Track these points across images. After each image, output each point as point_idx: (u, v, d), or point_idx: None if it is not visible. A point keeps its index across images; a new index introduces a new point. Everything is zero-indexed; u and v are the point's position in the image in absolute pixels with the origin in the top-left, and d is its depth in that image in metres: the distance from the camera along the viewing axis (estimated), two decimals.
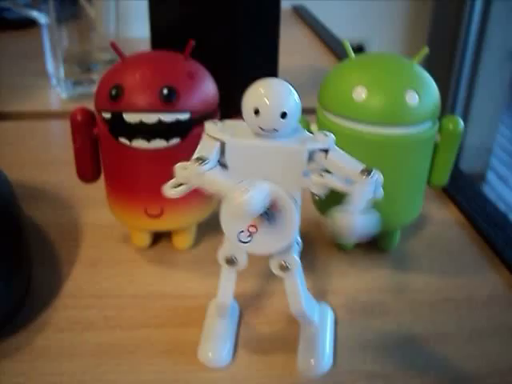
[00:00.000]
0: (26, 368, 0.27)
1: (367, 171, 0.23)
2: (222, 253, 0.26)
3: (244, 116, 0.23)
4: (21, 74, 0.69)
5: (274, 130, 0.23)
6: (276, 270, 0.26)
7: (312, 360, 0.28)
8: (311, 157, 0.24)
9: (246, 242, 0.24)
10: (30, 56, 0.72)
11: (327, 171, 0.24)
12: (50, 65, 0.64)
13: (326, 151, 0.24)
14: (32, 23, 0.68)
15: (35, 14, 0.61)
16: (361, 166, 0.23)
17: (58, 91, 0.62)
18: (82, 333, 0.30)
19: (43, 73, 0.65)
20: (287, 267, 0.26)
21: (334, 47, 0.82)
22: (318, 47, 0.86)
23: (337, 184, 0.24)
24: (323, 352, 0.28)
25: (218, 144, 0.24)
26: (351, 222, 0.22)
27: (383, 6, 1.76)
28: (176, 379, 0.27)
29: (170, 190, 0.24)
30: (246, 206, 0.21)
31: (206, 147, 0.24)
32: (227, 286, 0.27)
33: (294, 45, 0.82)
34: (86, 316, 0.31)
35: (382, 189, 0.24)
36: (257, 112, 0.23)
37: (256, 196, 0.21)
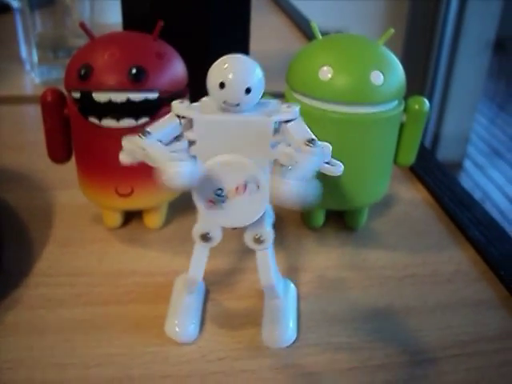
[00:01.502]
0: None
1: (312, 141, 0.23)
2: (197, 230, 0.27)
3: (209, 90, 0.24)
4: None
5: (237, 104, 0.24)
6: (250, 243, 0.27)
7: (276, 332, 0.29)
8: (277, 128, 0.25)
9: (222, 199, 0.25)
10: (4, 41, 0.71)
11: None
12: (23, 50, 0.63)
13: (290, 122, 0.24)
14: (6, 8, 0.68)
15: None
16: (309, 136, 0.23)
17: (32, 76, 0.62)
18: (53, 310, 0.30)
19: (17, 58, 0.65)
20: (261, 240, 0.26)
21: (306, 31, 0.83)
22: (292, 33, 0.86)
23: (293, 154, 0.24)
24: (287, 324, 0.29)
25: (175, 122, 0.24)
26: (288, 187, 0.22)
27: None
28: (145, 352, 0.28)
29: (122, 155, 0.24)
30: (173, 179, 0.22)
31: (160, 124, 0.24)
32: (199, 262, 0.28)
33: (269, 31, 0.83)
34: (57, 293, 0.31)
35: (341, 165, 0.24)
36: (222, 86, 0.23)
37: (183, 170, 0.22)
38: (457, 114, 1.84)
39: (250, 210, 0.25)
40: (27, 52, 0.62)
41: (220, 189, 0.25)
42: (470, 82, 1.82)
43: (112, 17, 0.74)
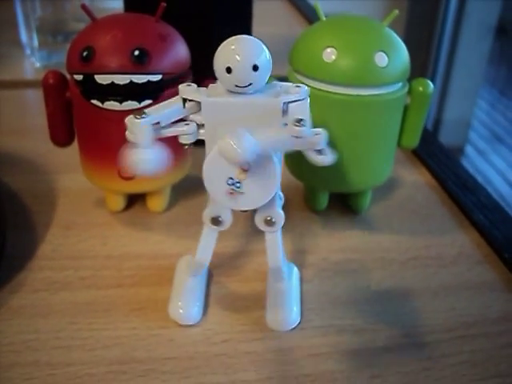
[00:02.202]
0: (2, 326, 0.28)
1: (300, 121, 0.22)
2: (208, 213, 0.27)
3: (217, 75, 0.24)
4: None
5: (249, 84, 0.23)
6: (261, 225, 0.27)
7: (280, 315, 0.29)
8: (286, 110, 0.24)
9: (239, 188, 0.25)
10: (3, 25, 0.71)
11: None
12: (23, 34, 0.63)
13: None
14: None
15: None
16: (299, 117, 0.23)
17: (33, 61, 0.61)
18: (58, 293, 0.30)
19: (17, 42, 0.64)
20: (273, 222, 0.26)
21: (309, 14, 0.82)
22: (292, 16, 0.86)
23: None
24: (291, 307, 0.29)
25: (179, 105, 0.24)
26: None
27: None
28: (150, 335, 0.28)
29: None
30: (134, 166, 0.22)
31: (162, 105, 0.24)
32: (208, 246, 0.28)
33: (270, 15, 0.82)
34: (61, 277, 0.31)
35: (333, 156, 0.24)
36: (229, 70, 0.23)
37: (143, 158, 0.22)
38: (458, 99, 1.83)
39: (262, 190, 0.25)
40: (27, 36, 0.62)
41: (230, 177, 0.25)
42: (472, 67, 1.81)
43: (113, 1, 0.73)
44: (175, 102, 0.25)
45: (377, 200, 0.39)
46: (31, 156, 0.43)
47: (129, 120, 0.23)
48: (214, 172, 0.24)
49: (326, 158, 0.23)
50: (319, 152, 0.23)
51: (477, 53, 1.80)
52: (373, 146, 0.33)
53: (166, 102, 0.25)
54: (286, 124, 0.24)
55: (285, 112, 0.24)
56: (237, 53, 0.23)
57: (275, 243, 0.27)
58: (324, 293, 0.31)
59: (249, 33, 0.46)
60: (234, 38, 0.24)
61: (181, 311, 0.28)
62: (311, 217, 0.37)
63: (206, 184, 0.25)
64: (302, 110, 0.24)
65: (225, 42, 0.24)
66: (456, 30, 1.78)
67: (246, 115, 0.24)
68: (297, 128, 0.22)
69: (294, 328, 0.29)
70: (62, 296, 0.30)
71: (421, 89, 0.33)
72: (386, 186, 0.38)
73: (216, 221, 0.27)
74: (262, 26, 0.50)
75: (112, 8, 0.70)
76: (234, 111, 0.24)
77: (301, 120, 0.22)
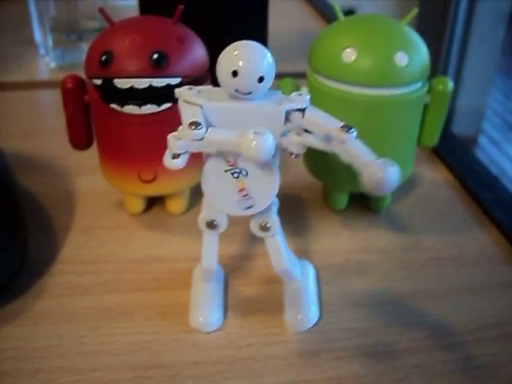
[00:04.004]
0: (26, 332, 0.28)
1: (347, 127, 0.23)
2: (203, 218, 0.26)
3: (220, 78, 0.24)
4: (7, 43, 0.68)
5: (249, 92, 0.23)
6: (257, 231, 0.27)
7: (298, 315, 0.29)
8: (287, 117, 0.24)
9: (250, 207, 0.25)
10: (17, 24, 0.71)
11: (305, 130, 0.24)
12: (37, 34, 0.63)
13: (301, 111, 0.24)
14: None
15: None
16: (339, 123, 0.23)
17: (47, 60, 0.62)
18: (80, 297, 0.30)
19: (30, 42, 0.64)
20: (267, 227, 0.26)
21: (324, 10, 0.82)
22: (307, 10, 0.85)
23: (316, 142, 0.24)
24: (308, 307, 0.29)
25: (199, 107, 0.24)
26: (382, 175, 0.22)
27: None
28: (173, 339, 0.28)
29: (171, 162, 0.23)
30: (261, 148, 0.21)
31: (192, 112, 0.24)
32: (211, 250, 0.28)
33: (282, 9, 0.82)
34: (83, 281, 0.31)
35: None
36: (235, 74, 0.23)
37: (267, 139, 0.22)
38: (472, 88, 1.81)
39: (261, 195, 0.25)
40: (42, 36, 0.62)
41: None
42: (485, 57, 1.79)
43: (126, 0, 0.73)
44: (192, 106, 0.24)
45: (396, 198, 0.38)
46: (48, 158, 0.43)
47: (188, 135, 0.23)
48: (216, 176, 0.25)
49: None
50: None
51: (490, 42, 1.78)
52: (393, 146, 0.33)
53: (186, 108, 0.24)
54: (288, 132, 0.24)
55: (286, 119, 0.24)
56: (244, 59, 0.23)
57: (276, 247, 0.27)
58: (345, 294, 0.31)
59: (265, 32, 0.45)
60: (238, 43, 0.24)
61: (201, 319, 0.28)
62: (331, 216, 0.37)
63: (209, 194, 0.25)
64: (325, 116, 0.24)
65: (229, 47, 0.24)
66: (469, 18, 1.76)
67: (247, 121, 0.24)
68: (349, 134, 0.23)
69: (317, 330, 0.28)
70: (84, 301, 0.30)
71: (441, 87, 0.33)
72: (405, 183, 0.38)
73: (211, 225, 0.26)
74: (277, 23, 0.51)
75: (126, 6, 0.70)
76: (235, 116, 0.24)
77: (346, 126, 0.23)
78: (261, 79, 0.23)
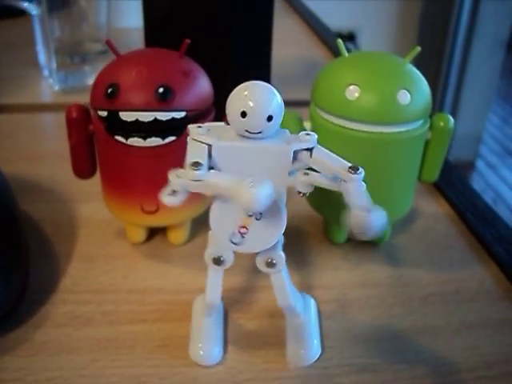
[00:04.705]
0: (26, 363, 0.28)
1: (354, 168, 0.24)
2: (209, 253, 0.27)
3: (229, 118, 0.24)
4: (10, 64, 0.68)
5: (259, 132, 0.24)
6: (263, 267, 0.27)
7: (301, 349, 0.29)
8: (295, 156, 0.25)
9: (238, 244, 0.25)
10: (20, 45, 0.71)
11: (312, 169, 0.25)
12: (41, 56, 0.64)
13: (309, 150, 0.25)
14: (21, 12, 0.68)
15: (26, 5, 0.61)
16: (347, 164, 0.24)
17: (50, 82, 0.62)
18: (81, 328, 0.30)
19: (34, 62, 0.65)
20: (273, 263, 0.27)
21: (325, 37, 0.83)
22: (308, 37, 0.86)
23: (324, 181, 0.24)
24: (311, 342, 0.29)
25: (205, 146, 0.24)
26: (366, 219, 0.22)
27: None
28: (174, 373, 0.28)
29: (167, 198, 0.23)
30: (255, 200, 0.21)
31: (197, 151, 0.24)
32: (215, 285, 0.28)
33: (284, 34, 0.82)
34: (84, 311, 0.31)
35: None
36: (244, 115, 0.23)
37: (263, 190, 0.22)
38: (470, 113, 1.83)
39: (267, 234, 0.25)
40: (46, 58, 0.62)
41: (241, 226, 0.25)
42: (484, 81, 1.81)
43: (129, 20, 0.74)
44: (199, 144, 0.24)
45: (396, 231, 0.39)
46: (49, 183, 0.43)
47: (188, 175, 0.23)
48: (223, 217, 0.25)
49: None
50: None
51: (488, 67, 1.80)
52: (394, 182, 0.33)
53: (192, 146, 0.24)
54: (296, 171, 0.25)
55: (294, 158, 0.25)
56: (253, 99, 0.23)
57: (281, 283, 0.27)
58: (345, 330, 0.31)
59: (268, 60, 0.46)
60: (247, 83, 0.24)
61: (201, 353, 0.28)
62: (331, 249, 0.37)
63: (214, 228, 0.25)
64: (333, 156, 0.25)
65: (238, 88, 0.24)
66: (468, 43, 1.78)
67: (256, 160, 0.24)
68: (356, 176, 0.23)
69: (317, 366, 0.29)
70: (85, 331, 0.30)
71: (442, 124, 0.33)
72: (406, 216, 0.38)
73: (218, 261, 0.27)
74: (276, 46, 0.51)
75: (129, 27, 0.71)
76: (244, 156, 0.24)
77: (353, 167, 0.23)
78: (270, 119, 0.23)
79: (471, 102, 1.82)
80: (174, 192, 0.23)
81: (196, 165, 0.23)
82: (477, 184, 1.78)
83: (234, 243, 0.25)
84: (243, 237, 0.25)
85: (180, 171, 0.23)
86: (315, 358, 0.29)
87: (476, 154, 1.90)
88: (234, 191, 0.22)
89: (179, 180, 0.23)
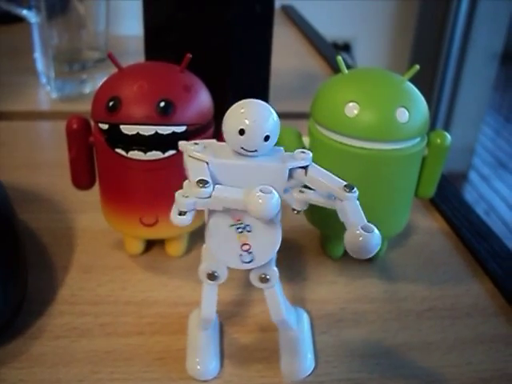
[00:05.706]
0: (24, 375, 0.28)
1: (349, 186, 0.24)
2: (203, 270, 0.27)
3: (226, 136, 0.24)
4: (8, 71, 0.68)
5: (255, 150, 0.24)
6: (256, 283, 0.27)
7: (294, 363, 0.29)
8: (291, 174, 0.25)
9: (251, 261, 0.25)
10: (17, 52, 0.71)
11: (306, 187, 0.25)
12: (39, 63, 0.64)
13: (304, 168, 0.25)
14: (19, 18, 0.68)
15: (25, 12, 0.61)
16: (342, 182, 0.24)
17: (48, 90, 0.62)
18: (78, 340, 0.30)
19: (32, 70, 0.65)
20: (267, 279, 0.27)
21: (324, 50, 0.83)
22: (306, 49, 0.87)
23: (319, 199, 0.25)
24: (304, 355, 0.29)
25: (205, 163, 0.24)
26: (360, 240, 0.23)
27: (370, 5, 1.78)
28: None
29: (178, 219, 0.23)
30: (266, 206, 0.22)
31: (199, 169, 0.24)
32: (210, 300, 0.28)
33: (282, 45, 0.83)
34: (81, 323, 0.31)
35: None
36: (242, 133, 0.23)
37: (272, 197, 0.22)
38: (463, 125, 1.84)
39: (266, 248, 0.25)
40: (44, 65, 0.62)
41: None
42: (477, 94, 1.82)
43: (128, 28, 0.74)
44: (199, 162, 0.25)
45: (392, 246, 0.39)
46: (47, 192, 0.43)
47: (196, 193, 0.23)
48: (222, 243, 0.25)
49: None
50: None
51: (482, 79, 1.82)
52: (391, 198, 0.34)
53: (192, 164, 0.24)
54: (291, 188, 0.25)
55: (289, 176, 0.25)
56: (250, 118, 0.23)
57: (274, 298, 0.28)
58: (341, 344, 0.31)
59: (267, 73, 0.46)
60: (244, 101, 0.24)
61: (198, 367, 0.28)
62: (327, 264, 0.37)
63: (220, 257, 0.26)
64: (328, 175, 0.25)
65: (235, 105, 0.24)
66: (462, 56, 1.80)
67: (251, 178, 0.25)
68: (351, 194, 0.24)
69: (313, 381, 0.29)
70: (82, 343, 0.30)
71: (439, 141, 0.34)
72: (401, 232, 0.38)
73: (212, 276, 0.27)
74: (277, 62, 0.51)
75: (127, 35, 0.71)
76: (240, 173, 0.25)
77: (348, 185, 0.24)
78: (266, 138, 0.24)
79: (464, 114, 1.83)
80: (181, 212, 0.23)
81: (202, 182, 0.23)
82: (470, 195, 1.79)
83: (248, 262, 0.25)
84: (250, 252, 0.25)
85: (186, 189, 0.23)
86: (309, 372, 0.29)
87: (469, 165, 1.91)
88: (244, 202, 0.23)
89: (187, 200, 0.23)
